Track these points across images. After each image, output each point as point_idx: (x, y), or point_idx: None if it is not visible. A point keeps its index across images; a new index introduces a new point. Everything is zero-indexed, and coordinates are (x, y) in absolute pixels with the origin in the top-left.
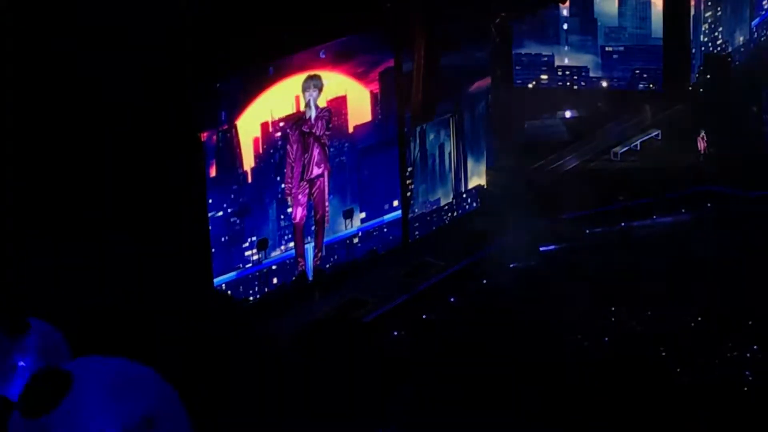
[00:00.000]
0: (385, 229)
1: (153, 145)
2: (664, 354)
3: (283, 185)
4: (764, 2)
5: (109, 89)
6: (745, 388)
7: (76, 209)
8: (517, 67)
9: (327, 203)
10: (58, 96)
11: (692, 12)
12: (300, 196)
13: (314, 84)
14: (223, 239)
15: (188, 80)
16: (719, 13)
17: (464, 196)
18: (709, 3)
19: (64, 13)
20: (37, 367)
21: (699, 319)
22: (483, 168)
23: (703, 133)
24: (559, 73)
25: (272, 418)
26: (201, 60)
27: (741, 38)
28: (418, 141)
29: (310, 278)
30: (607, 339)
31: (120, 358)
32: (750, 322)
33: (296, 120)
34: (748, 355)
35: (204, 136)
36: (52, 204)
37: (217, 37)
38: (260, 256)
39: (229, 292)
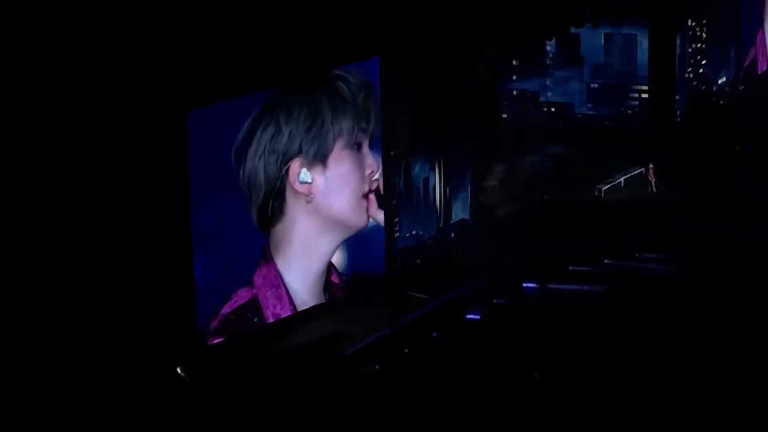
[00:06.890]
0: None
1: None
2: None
3: None
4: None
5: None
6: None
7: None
8: (504, 103)
9: None
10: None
11: (678, 50)
12: None
13: None
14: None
15: None
16: (705, 51)
17: (447, 229)
18: (695, 42)
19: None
20: None
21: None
22: (467, 202)
23: (651, 166)
24: (544, 109)
25: None
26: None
27: (725, 77)
28: (402, 173)
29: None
30: (588, 376)
31: None
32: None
33: None
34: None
35: None
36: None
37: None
38: None
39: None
